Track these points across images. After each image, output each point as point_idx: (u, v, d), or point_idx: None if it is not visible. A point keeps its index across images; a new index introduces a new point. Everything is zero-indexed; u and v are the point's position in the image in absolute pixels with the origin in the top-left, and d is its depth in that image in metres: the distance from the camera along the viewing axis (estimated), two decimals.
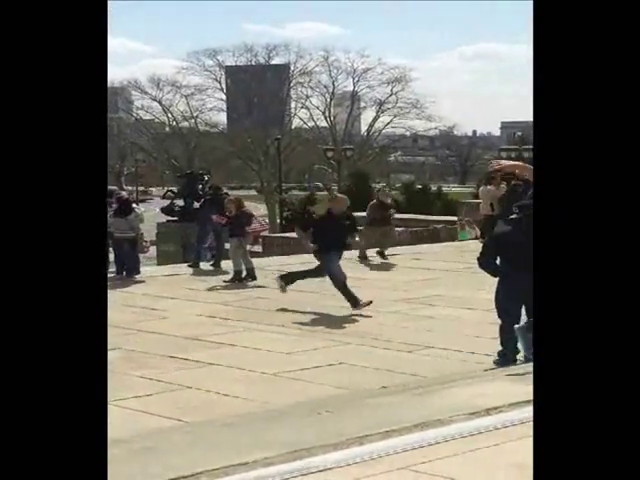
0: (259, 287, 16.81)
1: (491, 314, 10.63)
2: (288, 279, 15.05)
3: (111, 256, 19.63)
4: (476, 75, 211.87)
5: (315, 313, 14.05)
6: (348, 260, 21.02)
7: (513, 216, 10.35)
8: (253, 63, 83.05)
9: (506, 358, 10.03)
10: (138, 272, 18.20)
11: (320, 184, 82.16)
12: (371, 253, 20.66)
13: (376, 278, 17.81)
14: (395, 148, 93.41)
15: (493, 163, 11.21)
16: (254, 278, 17.36)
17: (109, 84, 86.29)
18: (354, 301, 13.95)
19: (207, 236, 20.23)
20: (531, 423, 4.52)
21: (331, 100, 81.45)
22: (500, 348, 10.17)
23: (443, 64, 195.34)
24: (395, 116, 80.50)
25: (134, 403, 8.98)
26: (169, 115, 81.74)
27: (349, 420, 7.57)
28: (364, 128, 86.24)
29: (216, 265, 19.27)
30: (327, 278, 14.58)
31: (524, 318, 9.81)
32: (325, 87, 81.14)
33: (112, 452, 6.92)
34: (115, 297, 15.84)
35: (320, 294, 15.91)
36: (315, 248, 14.42)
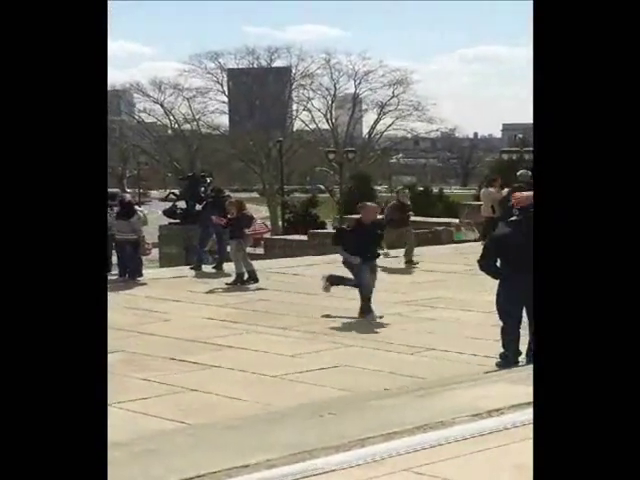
0: (261, 289, 16.82)
1: (493, 316, 10.64)
2: (333, 280, 14.79)
3: (114, 258, 19.69)
4: (477, 77, 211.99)
5: (317, 315, 14.06)
6: None
7: (513, 218, 10.37)
8: (255, 66, 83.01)
9: (508, 360, 10.04)
10: (140, 274, 18.21)
11: (322, 186, 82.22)
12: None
13: (378, 279, 17.80)
14: (397, 150, 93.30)
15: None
16: (256, 280, 17.37)
17: (111, 87, 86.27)
18: (366, 313, 13.85)
19: (209, 238, 20.25)
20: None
21: (333, 102, 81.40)
22: (502, 350, 10.18)
23: (444, 66, 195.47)
24: (397, 118, 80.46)
25: (136, 405, 8.99)
26: (171, 118, 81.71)
27: (351, 422, 7.58)
28: (366, 130, 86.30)
29: (218, 268, 19.28)
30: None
31: (525, 320, 9.83)
32: (327, 89, 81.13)
33: (114, 454, 6.95)
34: (117, 299, 15.85)
35: (322, 296, 15.91)
36: (350, 258, 14.07)
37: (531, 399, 4.83)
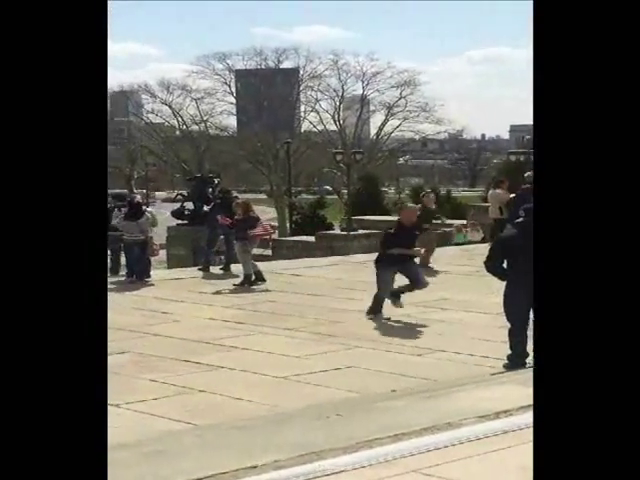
0: (268, 291, 16.83)
1: (500, 317, 10.64)
2: (396, 295, 14.25)
3: (122, 259, 19.73)
4: (484, 78, 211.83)
5: (324, 317, 14.06)
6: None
7: (519, 219, 10.36)
8: (263, 67, 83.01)
9: (515, 362, 10.03)
10: (148, 275, 18.23)
11: (329, 187, 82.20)
12: None
13: None
14: (404, 152, 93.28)
15: None
16: (263, 280, 17.39)
17: (119, 88, 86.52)
18: (375, 313, 13.88)
19: (217, 240, 20.27)
20: None
21: (340, 104, 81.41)
22: (509, 352, 10.17)
23: (452, 67, 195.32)
24: (404, 119, 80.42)
25: (144, 406, 9.00)
26: (179, 119, 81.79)
27: (359, 423, 7.58)
28: (373, 131, 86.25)
29: (226, 269, 19.31)
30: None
31: (532, 321, 9.81)
32: (334, 91, 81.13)
33: (122, 455, 6.96)
34: (125, 300, 15.88)
35: (329, 297, 15.93)
36: (407, 251, 13.99)
37: None
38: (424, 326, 13.22)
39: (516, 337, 10.00)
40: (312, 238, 31.96)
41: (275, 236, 38.10)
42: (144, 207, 19.65)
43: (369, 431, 7.15)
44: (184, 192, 35.51)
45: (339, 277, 18.72)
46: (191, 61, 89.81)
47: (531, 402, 6.99)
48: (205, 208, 25.18)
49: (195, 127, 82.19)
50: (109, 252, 21.14)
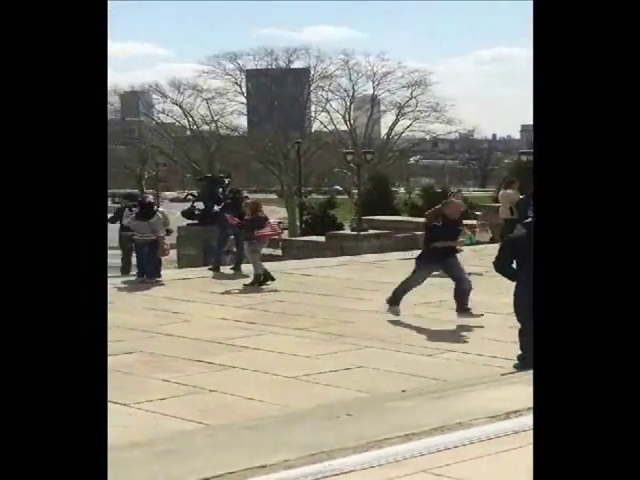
0: (278, 291, 16.85)
1: (510, 318, 10.64)
2: (462, 303, 13.82)
3: (133, 259, 19.77)
4: (495, 78, 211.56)
5: (334, 316, 14.09)
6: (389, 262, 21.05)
7: (528, 220, 10.37)
8: (273, 67, 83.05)
9: (526, 362, 10.02)
10: (159, 275, 18.27)
11: (340, 187, 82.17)
12: None
13: (395, 282, 17.82)
14: (415, 152, 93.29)
15: None
16: (272, 279, 17.42)
17: (130, 88, 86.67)
18: (392, 304, 13.96)
19: (227, 239, 20.31)
20: None
21: (351, 104, 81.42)
22: (519, 352, 10.18)
23: (462, 67, 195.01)
24: (415, 119, 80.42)
25: (155, 406, 9.03)
26: (190, 119, 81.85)
27: (368, 423, 7.60)
28: (384, 131, 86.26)
29: (236, 269, 19.34)
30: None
31: None
32: (345, 91, 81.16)
33: (134, 454, 7.00)
34: (137, 300, 15.93)
35: (340, 297, 15.95)
36: (448, 243, 13.91)
37: None
38: (434, 326, 13.23)
39: (526, 337, 10.00)
40: (322, 238, 31.96)
41: (285, 236, 38.12)
42: (155, 207, 19.69)
43: (379, 431, 7.17)
44: (194, 192, 35.51)
45: (349, 277, 18.74)
46: (202, 61, 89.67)
47: None
48: (216, 208, 25.19)
49: (206, 127, 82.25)
50: (120, 252, 21.23)
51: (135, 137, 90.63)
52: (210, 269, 19.73)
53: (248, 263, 18.20)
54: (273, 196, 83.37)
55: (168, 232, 19.69)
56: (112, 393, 9.16)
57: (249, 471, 6.28)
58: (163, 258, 19.01)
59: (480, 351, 11.46)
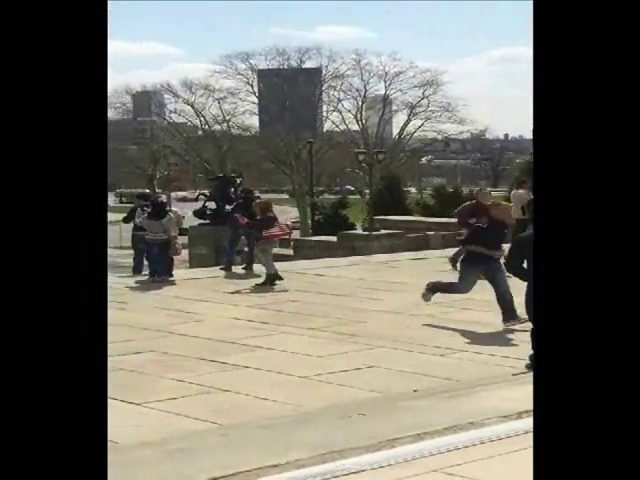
0: (290, 290, 16.86)
1: (523, 317, 10.64)
2: (509, 311, 13.15)
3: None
4: (506, 78, 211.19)
5: (346, 316, 14.10)
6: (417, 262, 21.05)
7: None
8: (285, 67, 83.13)
9: None
10: (171, 275, 18.31)
11: (351, 187, 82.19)
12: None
13: (407, 282, 17.84)
14: (427, 152, 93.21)
15: None
16: (280, 278, 17.44)
17: (142, 88, 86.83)
18: (426, 297, 14.03)
19: (239, 239, 20.34)
20: None
21: (363, 103, 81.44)
22: (531, 352, 10.17)
23: (474, 67, 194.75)
24: (427, 119, 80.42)
25: (168, 405, 9.05)
26: (201, 118, 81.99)
27: (380, 423, 7.61)
28: (396, 131, 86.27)
29: (248, 268, 19.38)
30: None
31: None
32: (357, 90, 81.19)
33: (146, 453, 7.03)
34: (148, 300, 15.97)
35: (352, 297, 15.96)
36: (489, 252, 13.33)
37: None
38: (446, 326, 13.23)
39: None
40: (334, 238, 31.97)
41: (297, 236, 38.09)
42: (168, 207, 19.73)
43: (391, 431, 7.19)
44: (206, 192, 35.54)
45: (361, 277, 18.75)
46: (214, 61, 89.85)
47: None
48: (227, 208, 25.22)
49: (217, 127, 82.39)
50: (132, 251, 21.28)
51: (147, 137, 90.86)
52: (222, 269, 19.76)
53: (260, 263, 18.23)
54: (285, 196, 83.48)
55: (181, 232, 19.73)
56: (125, 392, 9.24)
57: (261, 470, 6.30)
58: (175, 258, 19.06)
59: (492, 351, 11.46)
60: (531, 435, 6.69)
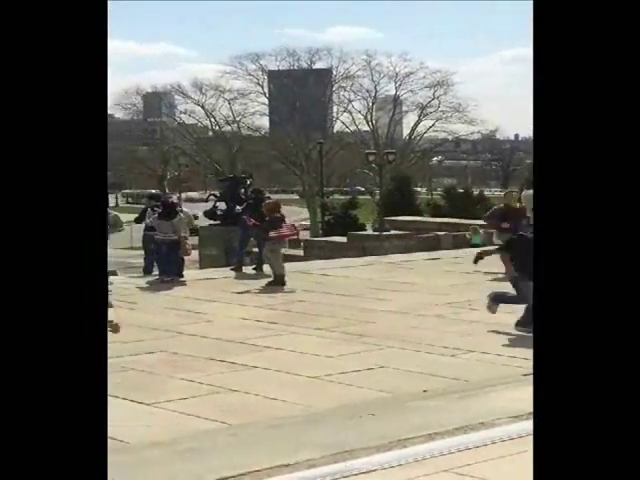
0: (299, 291, 16.87)
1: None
2: (525, 321, 12.60)
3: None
4: (517, 78, 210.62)
5: (355, 317, 14.10)
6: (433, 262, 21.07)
7: None
8: (295, 67, 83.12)
9: None
10: (181, 275, 18.33)
11: (362, 188, 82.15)
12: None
13: (417, 282, 17.85)
14: (437, 152, 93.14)
15: None
16: (283, 284, 17.42)
17: (153, 88, 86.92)
18: (497, 300, 13.35)
19: (249, 240, 20.35)
20: None
21: (373, 104, 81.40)
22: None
23: (484, 67, 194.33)
24: (437, 120, 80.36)
25: (178, 405, 9.06)
26: (212, 119, 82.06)
27: (391, 423, 7.62)
28: (406, 132, 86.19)
29: (258, 269, 19.38)
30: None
31: None
32: (367, 91, 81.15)
33: (156, 453, 7.05)
34: (159, 300, 15.99)
35: (361, 297, 15.96)
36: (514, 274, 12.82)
37: None
38: (454, 326, 13.23)
39: None
40: (344, 238, 31.98)
41: (307, 236, 38.07)
42: (178, 207, 19.75)
43: (402, 431, 7.19)
44: (216, 192, 35.58)
45: (370, 277, 18.75)
46: (224, 62, 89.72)
47: None
48: (238, 208, 25.23)
49: (228, 128, 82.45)
50: (143, 252, 21.30)
51: (157, 138, 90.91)
52: (232, 269, 19.78)
53: (268, 264, 18.22)
54: (295, 196, 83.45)
55: (192, 232, 19.73)
56: (134, 393, 9.26)
57: (271, 470, 6.31)
58: (186, 258, 19.07)
59: (501, 351, 11.45)
60: None
